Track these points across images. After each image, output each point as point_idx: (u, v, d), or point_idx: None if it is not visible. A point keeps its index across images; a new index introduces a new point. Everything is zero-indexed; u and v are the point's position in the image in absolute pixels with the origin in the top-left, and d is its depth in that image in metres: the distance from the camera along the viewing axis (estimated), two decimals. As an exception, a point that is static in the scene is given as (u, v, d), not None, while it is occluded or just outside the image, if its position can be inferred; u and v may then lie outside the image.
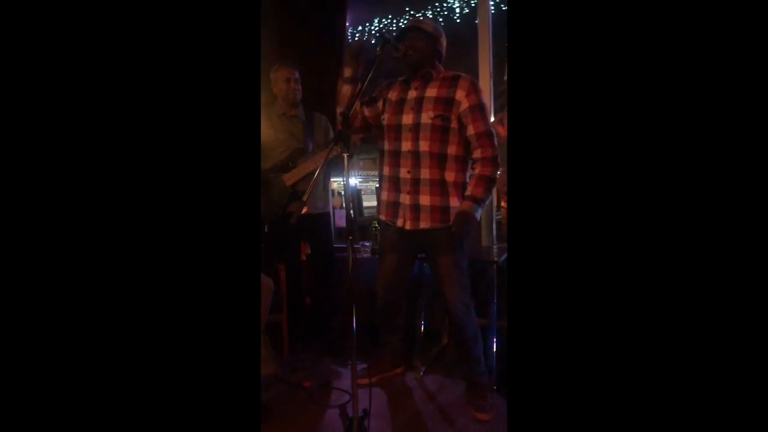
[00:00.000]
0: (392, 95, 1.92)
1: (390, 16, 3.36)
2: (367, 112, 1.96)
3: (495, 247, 2.44)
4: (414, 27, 1.82)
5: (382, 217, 1.95)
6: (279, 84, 2.38)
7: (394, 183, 1.88)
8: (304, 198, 1.59)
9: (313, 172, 2.31)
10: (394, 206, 1.89)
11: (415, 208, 1.83)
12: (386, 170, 1.92)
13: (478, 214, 1.76)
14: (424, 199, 1.81)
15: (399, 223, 1.87)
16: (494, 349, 2.06)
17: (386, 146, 1.91)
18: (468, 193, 1.76)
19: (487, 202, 1.77)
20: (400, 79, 1.93)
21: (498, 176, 1.78)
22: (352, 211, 2.85)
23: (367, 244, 2.89)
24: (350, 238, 1.57)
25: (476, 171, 1.76)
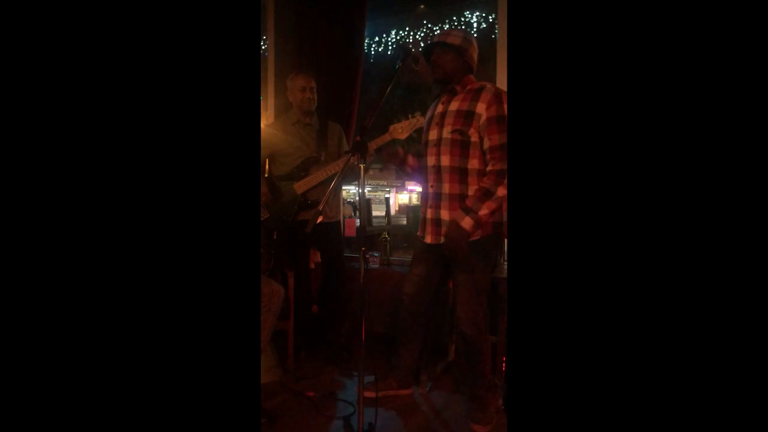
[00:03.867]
0: (428, 114, 1.93)
1: (407, 28, 3.38)
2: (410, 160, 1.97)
3: (506, 263, 2.42)
4: (439, 42, 1.79)
5: (419, 233, 1.95)
6: (295, 92, 2.39)
7: (424, 198, 1.89)
8: (320, 207, 1.59)
9: (324, 181, 2.31)
10: (423, 221, 1.90)
11: (437, 222, 1.82)
12: (422, 186, 1.92)
13: (467, 223, 1.66)
14: (444, 214, 1.79)
15: (427, 239, 1.86)
16: (503, 367, 2.03)
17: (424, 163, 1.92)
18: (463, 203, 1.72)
19: (481, 214, 1.65)
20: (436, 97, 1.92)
21: (500, 191, 1.65)
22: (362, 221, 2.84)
23: (376, 254, 2.87)
24: (363, 248, 1.56)
25: (481, 183, 1.71)
